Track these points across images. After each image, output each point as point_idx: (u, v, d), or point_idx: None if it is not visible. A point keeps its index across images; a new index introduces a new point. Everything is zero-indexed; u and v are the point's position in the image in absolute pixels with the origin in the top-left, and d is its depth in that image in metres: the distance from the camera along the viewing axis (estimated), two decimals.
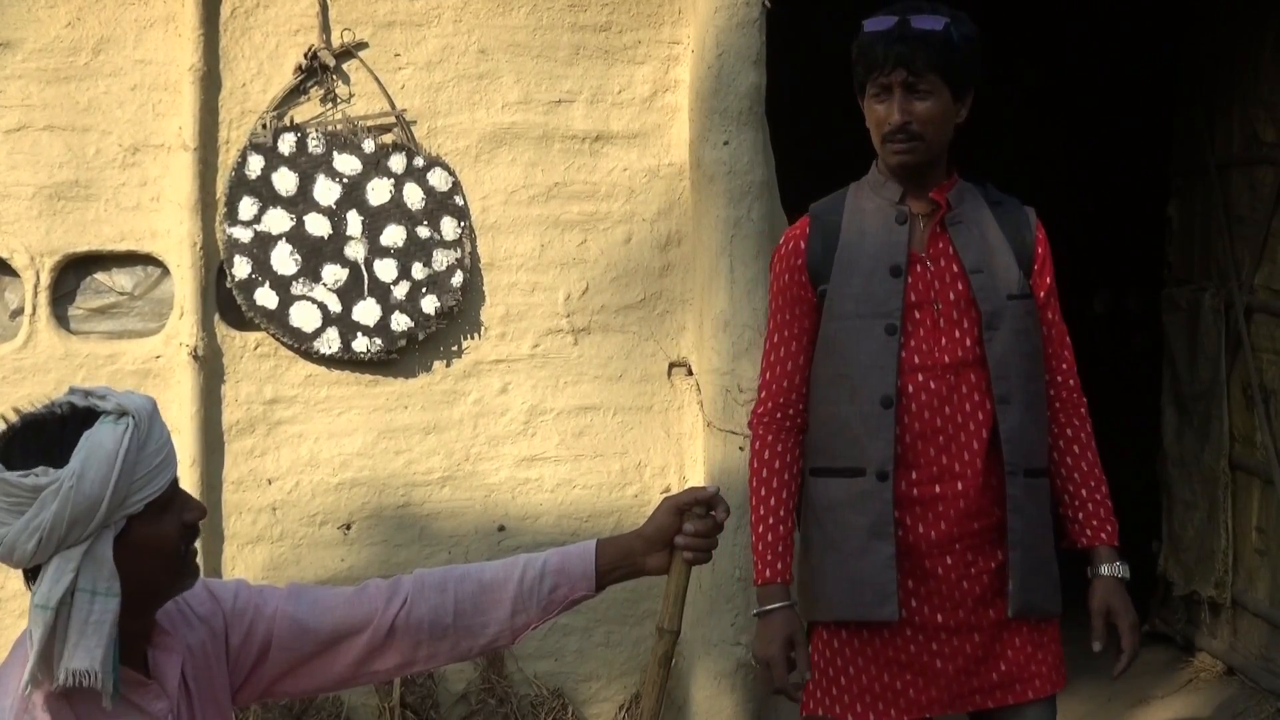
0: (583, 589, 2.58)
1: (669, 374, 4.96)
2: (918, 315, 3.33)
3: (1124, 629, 3.34)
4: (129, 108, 4.75)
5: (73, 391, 2.35)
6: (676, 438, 4.94)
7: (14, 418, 2.34)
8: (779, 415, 3.42)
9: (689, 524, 2.59)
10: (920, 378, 3.31)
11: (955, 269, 3.34)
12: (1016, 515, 3.31)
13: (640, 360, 4.94)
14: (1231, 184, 6.04)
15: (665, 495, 3.09)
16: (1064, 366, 3.47)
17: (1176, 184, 6.63)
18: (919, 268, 3.34)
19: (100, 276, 4.80)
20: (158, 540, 2.33)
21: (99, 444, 2.25)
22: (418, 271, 4.78)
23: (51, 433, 2.29)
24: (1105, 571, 3.37)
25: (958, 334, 3.33)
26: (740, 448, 4.63)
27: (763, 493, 3.37)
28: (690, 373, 4.93)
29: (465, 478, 4.88)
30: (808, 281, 3.38)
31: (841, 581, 3.35)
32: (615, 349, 4.93)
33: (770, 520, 3.35)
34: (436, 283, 4.79)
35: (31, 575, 2.30)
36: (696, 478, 4.91)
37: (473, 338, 4.88)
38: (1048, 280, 3.43)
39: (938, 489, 3.31)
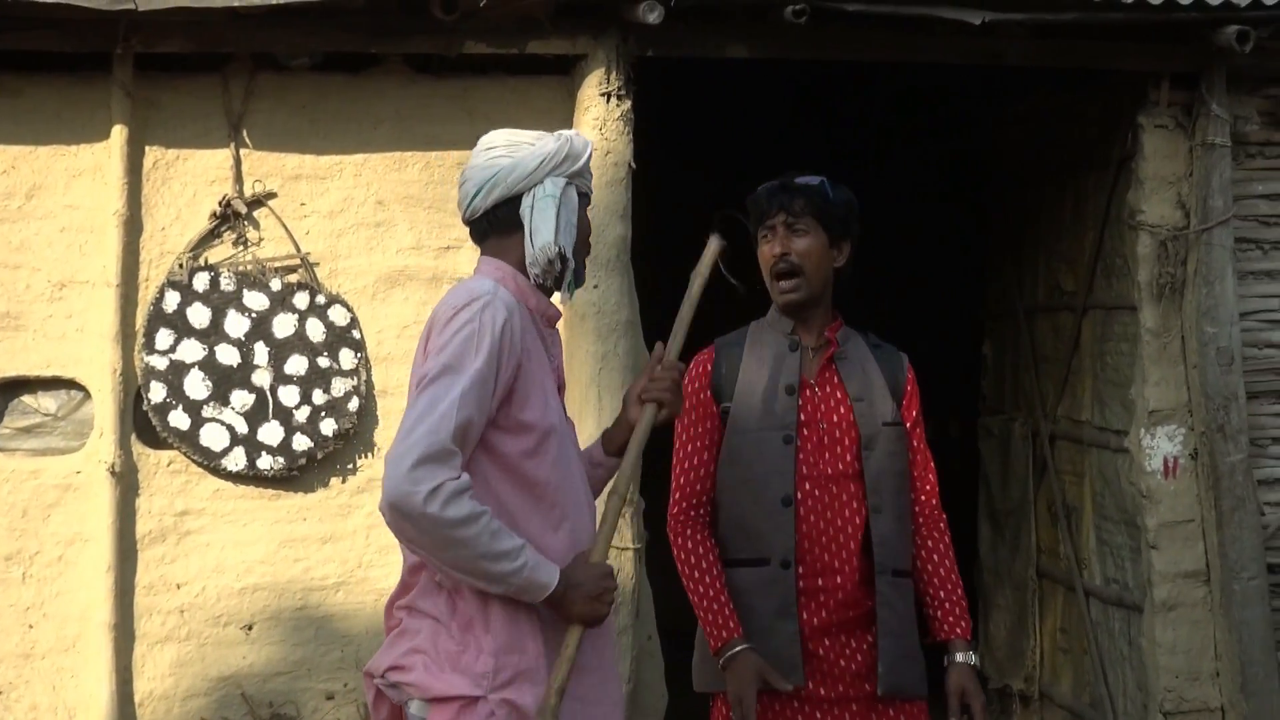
0: (598, 458, 3.27)
1: None
2: (806, 432, 3.64)
3: (976, 708, 3.66)
4: (58, 248, 4.90)
5: None
6: None
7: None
8: (692, 513, 3.71)
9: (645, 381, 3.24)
10: (808, 485, 3.62)
11: (840, 395, 3.68)
12: (886, 609, 3.62)
13: None
14: (1037, 327, 6.40)
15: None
16: (928, 486, 3.78)
17: (989, 326, 6.96)
18: (809, 391, 3.67)
19: (27, 399, 4.92)
20: (584, 225, 3.13)
21: (577, 135, 3.13)
22: (318, 397, 4.97)
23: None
24: (960, 659, 3.68)
25: (840, 450, 3.64)
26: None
27: (696, 576, 3.65)
28: None
29: (358, 583, 5.02)
30: (712, 399, 3.71)
31: None
32: None
33: (709, 596, 3.61)
34: (335, 408, 4.98)
35: (477, 227, 3.08)
36: None
37: (367, 457, 5.04)
38: (914, 412, 3.77)
39: (820, 581, 3.61)
